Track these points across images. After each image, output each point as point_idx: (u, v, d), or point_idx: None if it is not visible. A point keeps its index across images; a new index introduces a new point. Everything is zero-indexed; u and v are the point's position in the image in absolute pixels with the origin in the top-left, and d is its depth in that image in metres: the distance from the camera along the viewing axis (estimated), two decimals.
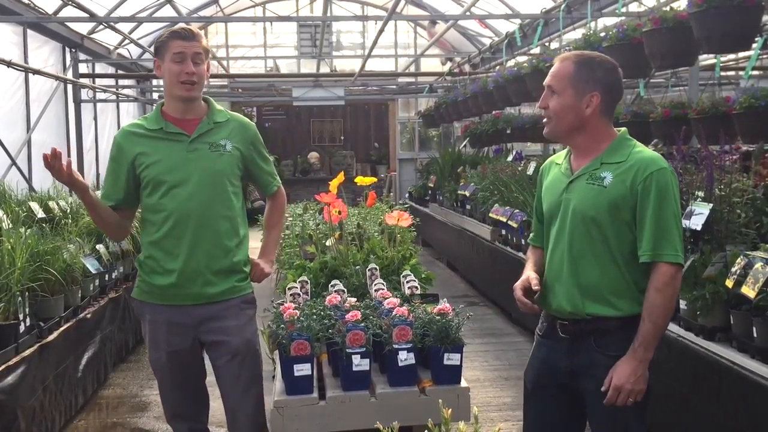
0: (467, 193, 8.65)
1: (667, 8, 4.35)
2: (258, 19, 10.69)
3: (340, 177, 3.72)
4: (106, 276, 5.86)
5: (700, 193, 4.02)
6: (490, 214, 7.34)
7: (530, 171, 7.54)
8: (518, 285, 2.49)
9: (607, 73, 2.43)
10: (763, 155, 4.78)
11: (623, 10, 6.43)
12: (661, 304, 2.33)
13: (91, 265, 5.25)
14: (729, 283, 3.29)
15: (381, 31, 7.17)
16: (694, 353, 3.61)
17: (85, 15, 6.03)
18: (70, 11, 7.35)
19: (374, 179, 4.31)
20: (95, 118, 10.74)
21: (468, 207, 8.80)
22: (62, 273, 4.69)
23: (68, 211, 6.36)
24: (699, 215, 3.83)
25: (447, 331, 2.70)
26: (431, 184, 10.98)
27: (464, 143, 11.54)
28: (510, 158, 9.28)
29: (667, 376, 3.84)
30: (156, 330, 2.89)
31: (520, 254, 6.60)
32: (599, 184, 2.39)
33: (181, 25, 2.91)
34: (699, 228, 3.78)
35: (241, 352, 2.87)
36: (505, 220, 6.83)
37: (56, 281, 4.48)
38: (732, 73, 10.03)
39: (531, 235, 2.79)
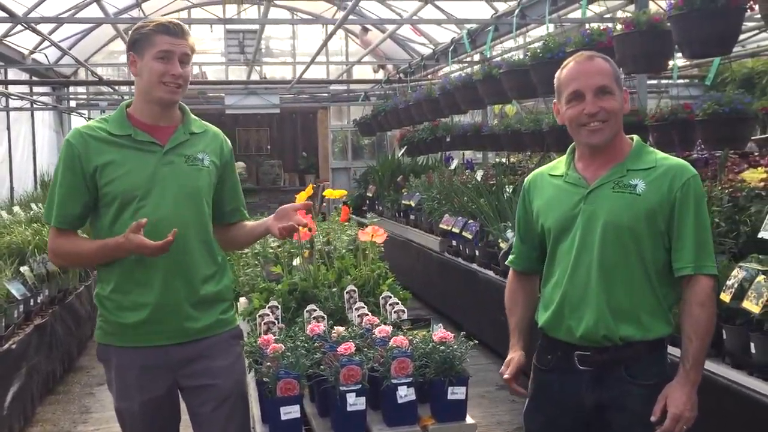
0: (412, 203, 8.42)
1: (634, 11, 4.22)
2: (193, 21, 10.17)
3: (309, 190, 3.40)
4: (31, 301, 5.32)
5: None
6: (440, 225, 7.12)
7: (478, 178, 7.38)
8: (504, 369, 2.36)
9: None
10: (729, 161, 4.74)
11: (571, 15, 6.36)
12: (707, 320, 2.17)
13: (16, 290, 4.74)
14: (725, 298, 3.15)
15: (330, 36, 6.89)
16: None
17: (5, 15, 5.46)
18: None
19: (344, 192, 4.00)
20: (8, 128, 10.00)
21: (412, 217, 8.57)
22: None
23: None
24: None
25: (451, 362, 2.42)
26: (370, 194, 10.72)
27: (401, 152, 11.33)
28: (453, 166, 9.11)
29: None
30: (125, 377, 2.43)
31: (474, 265, 6.40)
32: (631, 192, 2.18)
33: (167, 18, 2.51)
34: None
35: (231, 397, 2.46)
36: (457, 230, 6.62)
37: None
38: (655, 81, 10.18)
39: (511, 257, 2.52)
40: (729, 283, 3.16)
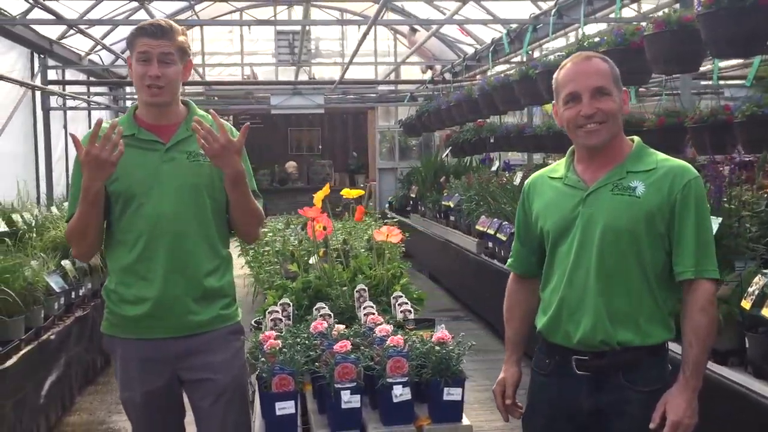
0: (451, 204, 8.40)
1: (668, 10, 4.13)
2: (235, 23, 10.36)
3: (326, 190, 3.44)
4: (72, 293, 5.50)
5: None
6: (477, 226, 7.09)
7: (516, 181, 7.31)
8: (497, 391, 2.34)
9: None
10: (766, 165, 4.59)
11: (607, 16, 6.24)
12: (708, 325, 2.12)
13: (55, 283, 4.91)
14: (746, 305, 3.05)
15: (365, 35, 6.92)
16: (705, 378, 3.37)
17: (52, 18, 5.68)
18: (37, 14, 7.00)
19: (362, 191, 4.03)
20: (65, 127, 10.34)
21: (452, 218, 8.54)
22: (22, 292, 4.35)
23: (33, 224, 6.01)
24: None
25: (447, 363, 2.42)
26: (413, 194, 10.72)
27: (446, 152, 11.30)
28: (494, 168, 9.05)
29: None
30: (128, 368, 2.51)
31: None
32: (631, 194, 2.14)
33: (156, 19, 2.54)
34: None
35: (229, 391, 2.50)
36: (492, 232, 6.58)
37: (14, 302, 4.12)
38: (710, 82, 9.89)
39: (511, 261, 2.49)
40: (750, 290, 3.07)
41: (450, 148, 11.21)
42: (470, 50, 11.14)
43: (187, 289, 2.46)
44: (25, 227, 5.81)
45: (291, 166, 19.15)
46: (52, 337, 4.89)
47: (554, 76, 2.27)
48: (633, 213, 2.12)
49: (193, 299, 2.47)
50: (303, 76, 12.76)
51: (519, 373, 2.37)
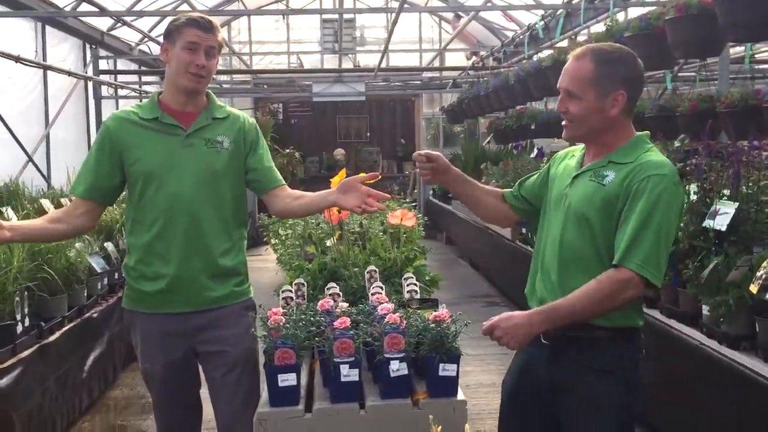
0: None
1: None
2: (275, 12, 10.54)
3: (342, 174, 3.55)
4: (116, 275, 5.77)
5: (727, 192, 3.77)
6: None
7: None
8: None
9: (630, 68, 2.25)
10: None
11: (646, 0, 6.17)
12: (592, 295, 2.10)
13: (97, 264, 5.16)
14: (753, 289, 3.05)
15: (394, 23, 6.99)
16: (717, 362, 3.38)
17: (97, 10, 5.95)
18: (85, 8, 7.30)
19: (378, 176, 4.12)
20: None
21: None
22: (64, 272, 4.60)
23: None
24: (724, 215, 3.58)
25: (442, 340, 2.52)
26: None
27: (488, 139, 11.29)
28: (533, 155, 9.02)
29: (688, 387, 3.62)
30: (148, 341, 2.71)
31: None
32: (599, 182, 2.23)
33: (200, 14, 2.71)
34: (724, 228, 3.54)
35: (240, 363, 2.68)
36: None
37: (55, 280, 4.37)
38: (766, 66, 9.64)
39: (508, 191, 2.63)
40: (759, 274, 3.07)
41: (493, 134, 11.21)
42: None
43: (202, 267, 2.62)
44: None
45: (339, 153, 19.32)
46: (95, 315, 5.15)
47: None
48: (594, 199, 2.21)
49: (208, 276, 2.64)
50: (348, 64, 12.89)
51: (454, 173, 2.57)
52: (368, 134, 20.03)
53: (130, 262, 2.72)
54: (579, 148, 2.45)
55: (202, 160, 2.64)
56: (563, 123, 2.32)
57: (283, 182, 2.85)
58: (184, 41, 2.60)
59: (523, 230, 6.96)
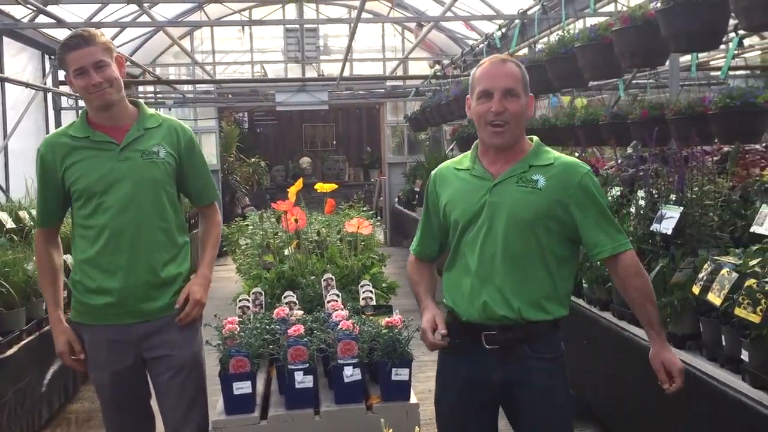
0: None
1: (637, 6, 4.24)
2: (237, 23, 10.56)
3: (299, 184, 3.62)
4: None
5: (673, 197, 3.90)
6: None
7: None
8: (428, 327, 2.38)
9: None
10: (740, 156, 4.67)
11: (601, 10, 6.33)
12: (648, 284, 2.40)
13: None
14: (696, 290, 3.17)
15: (353, 34, 7.06)
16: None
17: (55, 22, 5.92)
18: (42, 19, 7.24)
19: (334, 186, 4.20)
20: None
21: None
22: (22, 285, 4.57)
23: None
24: (669, 219, 3.71)
25: (395, 345, 2.58)
26: (417, 188, 10.86)
27: (452, 146, 11.42)
28: None
29: (637, 384, 3.72)
30: (96, 350, 2.74)
31: None
32: (533, 187, 2.33)
33: (77, 30, 2.67)
34: (669, 232, 3.67)
35: (187, 366, 2.72)
36: None
37: (12, 294, 4.34)
38: (717, 73, 9.91)
39: (414, 246, 2.66)
40: (700, 275, 3.18)
41: (455, 142, 11.32)
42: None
43: (147, 279, 2.66)
44: (32, 223, 6.04)
45: (305, 161, 19.37)
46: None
47: (472, 72, 2.45)
48: (535, 204, 2.32)
49: (153, 287, 2.67)
50: (312, 73, 12.93)
51: (441, 312, 2.49)
52: (334, 142, 20.11)
53: (75, 276, 2.75)
54: (464, 160, 2.48)
55: (139, 173, 2.68)
56: (495, 130, 2.33)
57: (211, 200, 2.93)
58: (71, 69, 2.62)
59: None
